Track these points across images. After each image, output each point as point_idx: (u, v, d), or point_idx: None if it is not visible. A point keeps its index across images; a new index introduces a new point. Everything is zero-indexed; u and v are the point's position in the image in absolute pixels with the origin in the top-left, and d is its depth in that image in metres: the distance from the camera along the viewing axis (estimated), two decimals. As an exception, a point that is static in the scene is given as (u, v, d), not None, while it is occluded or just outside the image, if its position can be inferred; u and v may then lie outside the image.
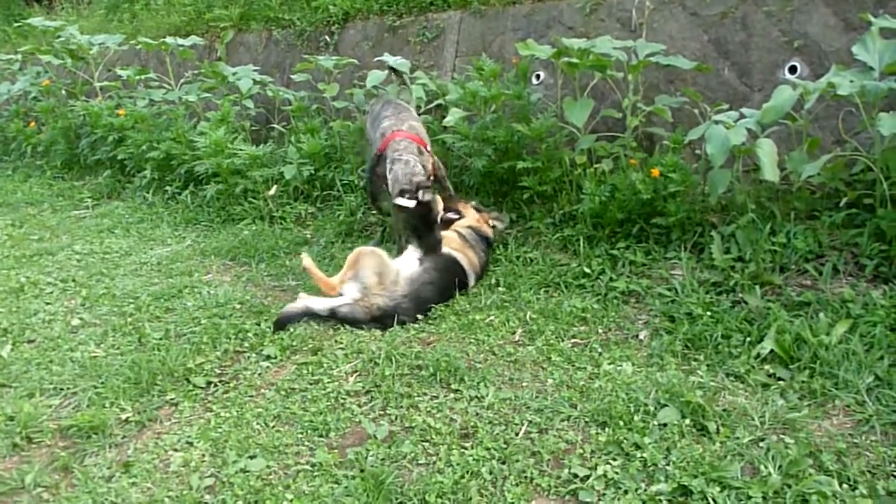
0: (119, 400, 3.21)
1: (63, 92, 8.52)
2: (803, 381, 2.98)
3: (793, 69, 4.49)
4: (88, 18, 10.65)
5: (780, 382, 3.01)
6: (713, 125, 3.70)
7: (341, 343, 3.64)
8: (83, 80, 8.26)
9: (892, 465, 2.49)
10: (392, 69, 5.53)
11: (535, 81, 5.55)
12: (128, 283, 4.63)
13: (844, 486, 2.40)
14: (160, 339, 3.77)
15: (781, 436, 2.67)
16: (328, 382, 3.28)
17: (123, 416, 3.10)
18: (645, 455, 2.60)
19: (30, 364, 3.62)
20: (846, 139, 4.00)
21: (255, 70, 6.61)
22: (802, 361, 3.06)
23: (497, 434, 2.82)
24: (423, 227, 4.09)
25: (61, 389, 3.35)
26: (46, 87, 8.43)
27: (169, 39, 7.12)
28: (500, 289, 4.16)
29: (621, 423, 2.79)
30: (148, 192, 6.65)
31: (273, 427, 2.98)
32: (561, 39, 4.45)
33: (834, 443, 2.61)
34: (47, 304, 4.41)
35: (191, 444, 2.90)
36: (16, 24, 11.06)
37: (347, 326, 3.79)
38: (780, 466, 2.49)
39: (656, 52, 4.33)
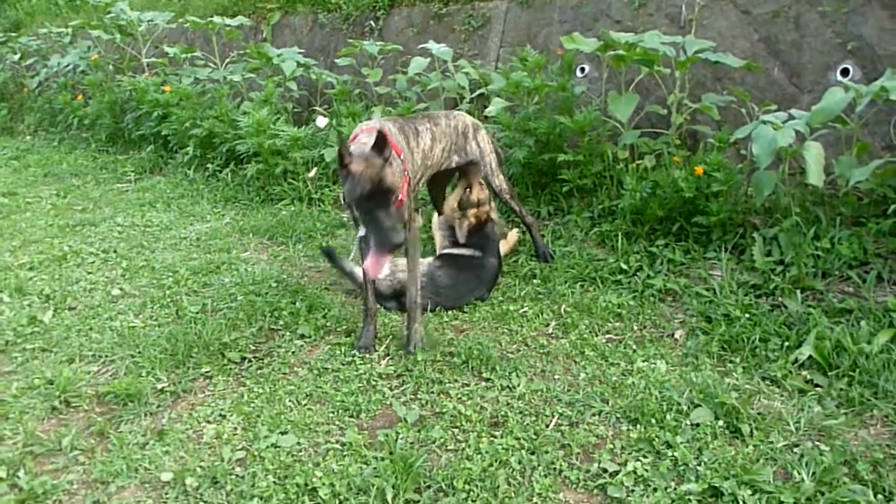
0: (155, 370, 3.26)
1: (111, 67, 8.68)
2: (841, 389, 2.92)
3: (845, 72, 4.40)
4: (138, -5, 10.79)
5: (818, 389, 2.95)
6: (760, 125, 3.63)
7: (375, 326, 3.65)
8: (131, 56, 8.39)
9: (931, 479, 2.44)
10: None
11: (579, 74, 5.50)
12: (167, 257, 4.71)
13: (880, 496, 2.35)
14: (197, 312, 3.83)
15: (816, 442, 2.63)
16: (360, 364, 3.30)
17: (159, 386, 3.15)
18: (676, 454, 2.58)
19: (70, 330, 3.70)
20: (897, 145, 3.91)
21: (299, 52, 6.65)
22: (841, 369, 3.00)
23: (527, 424, 2.81)
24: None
25: (100, 357, 3.42)
26: (95, 62, 8.59)
27: (216, 19, 7.19)
28: (535, 281, 4.14)
29: (653, 420, 2.76)
30: (189, 169, 6.76)
31: (305, 405, 3.01)
32: (608, 33, 4.40)
33: (871, 452, 2.55)
34: (89, 273, 4.50)
35: (224, 416, 2.94)
36: (68, -1, 11.28)
37: (382, 310, 3.83)
38: (813, 473, 2.44)
39: (705, 48, 4.26)
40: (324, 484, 2.50)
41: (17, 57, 10.40)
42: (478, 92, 5.54)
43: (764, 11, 4.74)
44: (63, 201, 6.27)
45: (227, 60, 7.44)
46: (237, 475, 2.58)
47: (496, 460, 2.60)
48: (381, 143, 2.96)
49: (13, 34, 11.67)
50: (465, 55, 6.20)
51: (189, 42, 8.90)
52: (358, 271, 3.99)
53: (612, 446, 2.67)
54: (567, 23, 5.64)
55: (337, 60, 6.42)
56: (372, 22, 7.08)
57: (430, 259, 4.05)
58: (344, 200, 3.25)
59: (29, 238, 5.21)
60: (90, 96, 8.67)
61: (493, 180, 4.14)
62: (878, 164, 3.56)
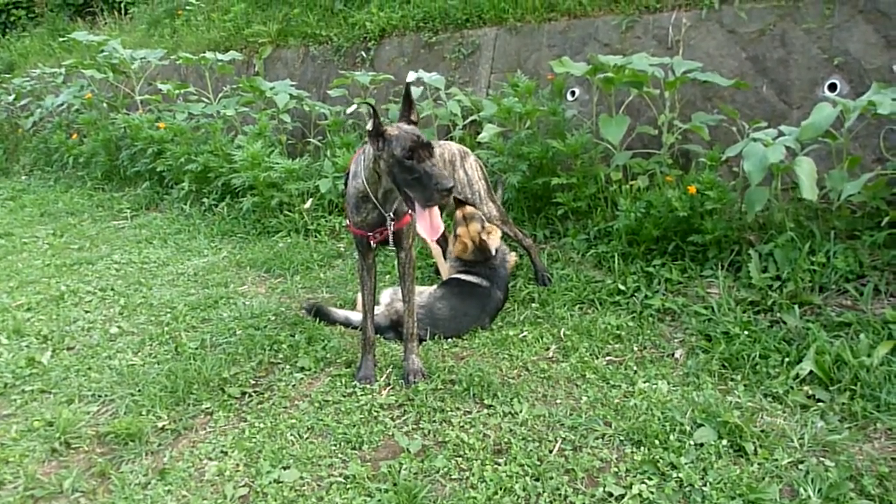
0: (155, 408, 3.24)
1: (105, 105, 8.73)
2: (843, 403, 2.92)
3: (832, 87, 4.44)
4: (130, 33, 10.90)
5: (820, 404, 2.95)
6: (751, 142, 3.66)
7: (374, 356, 3.65)
8: (124, 94, 8.45)
9: (937, 492, 2.43)
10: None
11: (570, 98, 5.55)
12: (165, 293, 4.70)
13: (887, 511, 2.35)
14: (196, 348, 3.81)
15: (821, 458, 2.62)
16: (361, 395, 3.29)
17: (159, 424, 3.13)
18: (681, 475, 2.56)
19: (69, 371, 3.69)
20: (887, 157, 3.94)
21: (292, 85, 6.70)
22: (843, 383, 3.00)
23: (531, 451, 2.80)
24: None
25: (99, 396, 3.41)
26: (89, 100, 8.64)
27: (208, 54, 7.25)
28: (533, 305, 4.14)
29: (657, 442, 2.75)
30: (185, 204, 6.77)
31: (306, 438, 2.99)
32: (597, 56, 4.45)
33: (876, 467, 2.55)
34: (86, 312, 4.49)
35: (225, 453, 2.92)
36: (60, 39, 11.38)
37: (382, 339, 3.82)
38: (819, 490, 2.44)
39: (693, 69, 4.31)
40: (328, 518, 2.48)
41: (11, 98, 10.47)
42: (470, 119, 5.58)
43: (750, 30, 4.79)
44: (59, 240, 6.27)
45: (221, 95, 7.49)
46: (240, 512, 2.56)
47: (501, 488, 2.59)
48: (375, 115, 2.92)
49: (7, 75, 11.78)
50: (457, 83, 6.25)
51: (182, 78, 8.96)
52: (352, 315, 3.98)
53: (616, 469, 2.66)
54: (556, 47, 5.70)
55: (329, 91, 6.48)
56: (363, 53, 7.15)
57: (432, 288, 4.03)
58: (365, 180, 3.18)
59: (26, 278, 5.20)
60: (85, 135, 8.72)
61: (482, 207, 4.14)
62: (869, 176, 3.58)
